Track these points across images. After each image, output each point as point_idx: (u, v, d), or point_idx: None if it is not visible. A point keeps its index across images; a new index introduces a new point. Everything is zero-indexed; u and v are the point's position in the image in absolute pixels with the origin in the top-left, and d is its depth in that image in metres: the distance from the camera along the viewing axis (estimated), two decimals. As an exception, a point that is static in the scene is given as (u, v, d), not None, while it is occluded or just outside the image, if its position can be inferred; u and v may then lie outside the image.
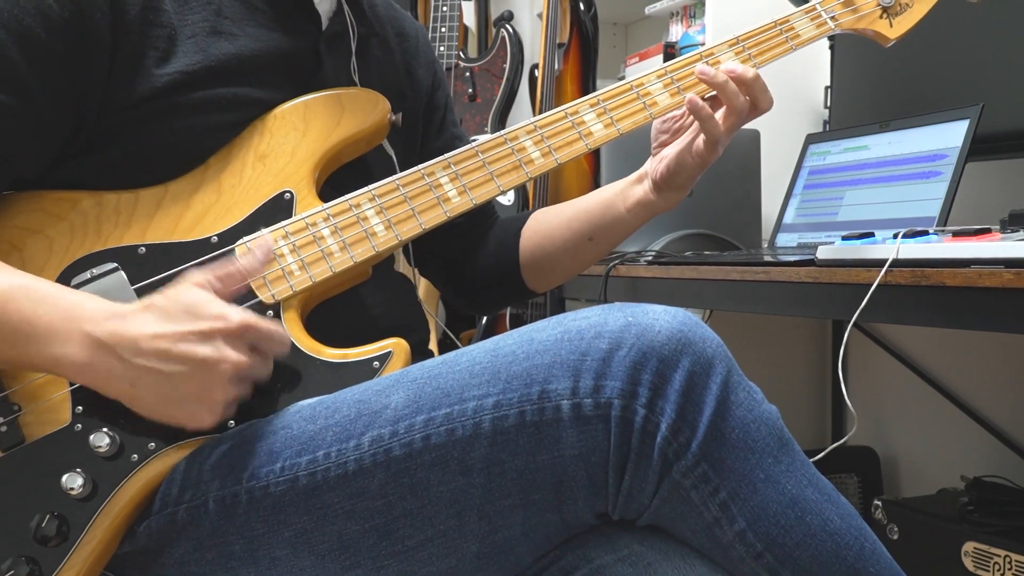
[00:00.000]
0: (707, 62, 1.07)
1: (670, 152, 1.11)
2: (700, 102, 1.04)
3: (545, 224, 1.22)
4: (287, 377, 0.92)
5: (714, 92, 1.05)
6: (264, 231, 0.95)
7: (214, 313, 0.83)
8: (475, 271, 1.26)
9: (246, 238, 0.95)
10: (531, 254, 1.23)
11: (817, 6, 1.12)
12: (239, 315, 0.84)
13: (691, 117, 1.09)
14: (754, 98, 1.06)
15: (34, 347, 0.83)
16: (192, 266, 0.91)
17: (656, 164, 1.12)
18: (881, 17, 1.13)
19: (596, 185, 2.35)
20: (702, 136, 1.07)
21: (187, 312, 0.83)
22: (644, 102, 1.07)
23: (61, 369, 0.85)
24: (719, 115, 1.05)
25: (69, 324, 0.83)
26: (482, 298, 1.30)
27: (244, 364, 0.84)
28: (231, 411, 0.87)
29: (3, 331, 0.83)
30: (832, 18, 1.12)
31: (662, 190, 1.12)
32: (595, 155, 2.17)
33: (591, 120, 1.06)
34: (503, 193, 1.05)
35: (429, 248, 1.24)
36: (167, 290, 0.85)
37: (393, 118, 1.05)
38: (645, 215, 1.15)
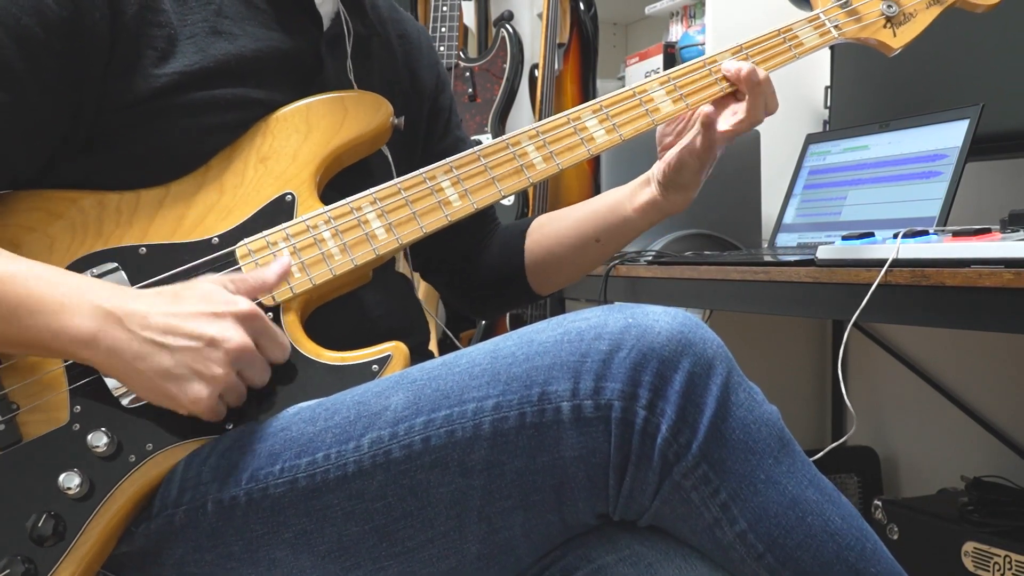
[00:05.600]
0: (710, 69, 1.08)
1: (672, 153, 1.12)
2: (711, 114, 1.06)
3: (552, 227, 1.24)
4: (286, 379, 0.92)
5: (721, 94, 1.07)
6: (266, 233, 0.95)
7: (226, 299, 0.86)
8: (479, 275, 1.28)
9: (246, 239, 0.95)
10: (537, 256, 1.24)
11: (821, 15, 1.11)
12: (250, 304, 0.87)
13: (694, 119, 1.10)
14: (768, 98, 1.07)
15: (40, 319, 0.83)
16: (201, 269, 0.94)
17: (661, 165, 1.14)
18: (885, 27, 1.13)
19: (596, 187, 2.36)
20: (700, 136, 1.08)
21: (201, 298, 0.86)
22: (647, 108, 1.07)
23: (63, 341, 0.84)
24: (726, 117, 1.07)
25: (79, 296, 0.84)
26: (486, 301, 1.32)
27: (248, 347, 0.86)
28: (226, 402, 0.87)
29: (9, 305, 0.83)
30: (836, 27, 1.12)
31: (667, 190, 1.13)
32: (595, 158, 2.17)
33: (593, 126, 1.06)
34: (504, 197, 1.05)
35: (432, 254, 1.25)
36: (183, 282, 0.89)
37: (396, 122, 1.05)
38: (655, 215, 1.16)
